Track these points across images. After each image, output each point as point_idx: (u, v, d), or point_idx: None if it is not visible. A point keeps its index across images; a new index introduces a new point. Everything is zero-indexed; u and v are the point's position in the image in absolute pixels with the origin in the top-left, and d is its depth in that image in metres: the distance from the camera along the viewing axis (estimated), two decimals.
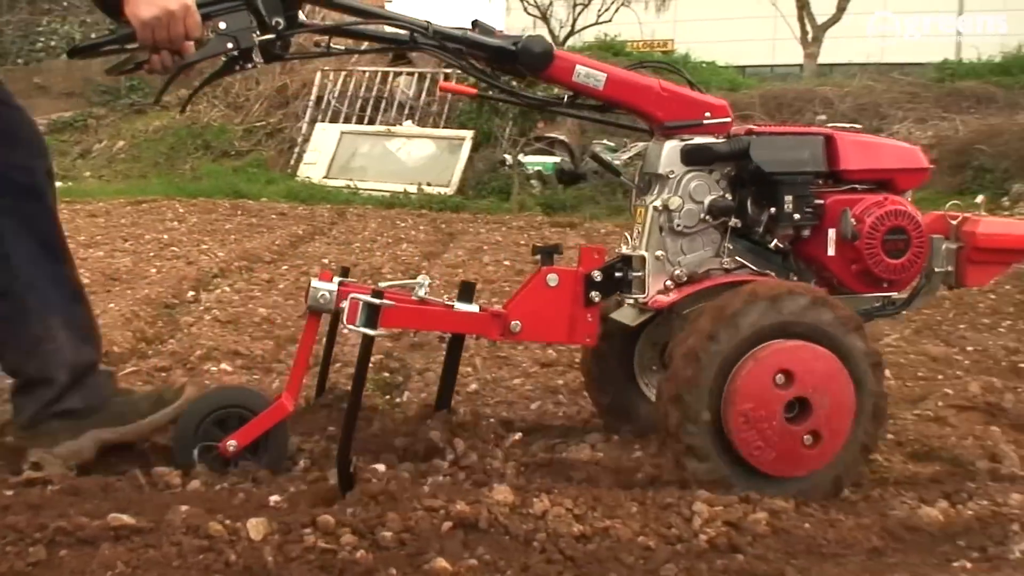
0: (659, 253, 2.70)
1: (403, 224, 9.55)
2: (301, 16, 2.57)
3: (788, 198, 2.69)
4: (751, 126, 2.82)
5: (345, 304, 2.44)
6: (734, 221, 2.72)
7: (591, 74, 2.68)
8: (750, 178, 2.72)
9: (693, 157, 2.71)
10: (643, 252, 2.71)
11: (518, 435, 2.95)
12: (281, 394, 2.66)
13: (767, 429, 2.42)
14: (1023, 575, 2.09)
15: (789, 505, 2.35)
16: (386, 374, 3.84)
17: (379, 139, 13.18)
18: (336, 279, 2.68)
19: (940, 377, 3.93)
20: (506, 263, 7.06)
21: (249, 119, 14.54)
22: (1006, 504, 2.47)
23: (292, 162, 13.50)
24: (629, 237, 2.81)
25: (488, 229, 9.37)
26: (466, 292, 2.64)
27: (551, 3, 20.50)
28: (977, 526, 2.39)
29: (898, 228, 2.72)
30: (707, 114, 2.73)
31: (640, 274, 2.71)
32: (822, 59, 20.20)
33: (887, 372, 3.92)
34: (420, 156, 12.75)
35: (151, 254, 6.95)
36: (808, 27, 19.83)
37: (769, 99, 13.45)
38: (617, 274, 2.73)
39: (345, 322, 2.43)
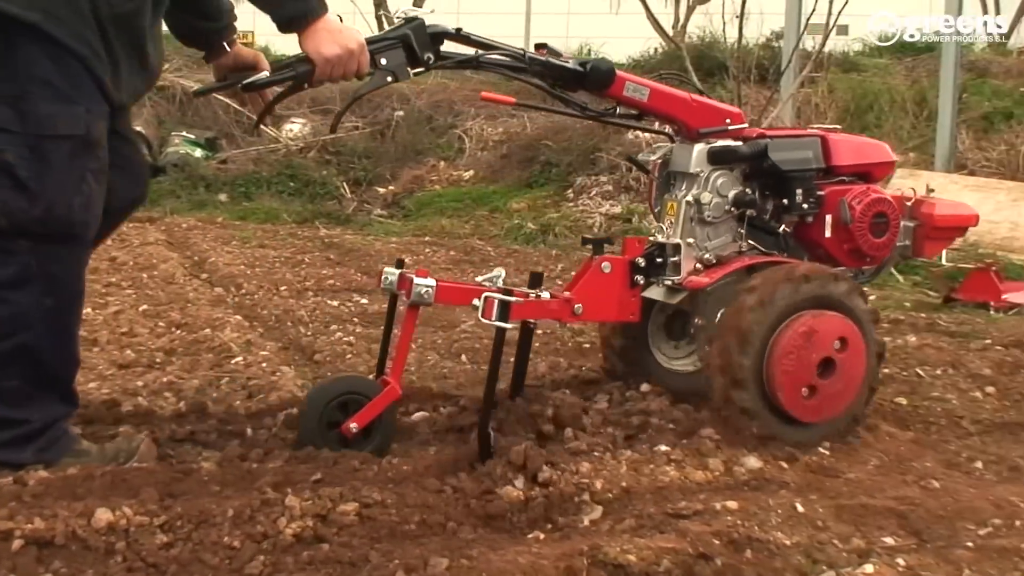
0: (690, 240, 3.15)
1: None
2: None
3: (799, 191, 3.24)
4: (761, 130, 3.34)
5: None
6: (750, 211, 3.19)
7: (638, 88, 3.11)
8: (765, 174, 3.23)
9: (719, 158, 3.18)
10: (677, 240, 3.15)
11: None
12: (389, 379, 2.92)
13: None
14: (591, 541, 2.22)
15: (380, 496, 2.41)
16: None
17: None
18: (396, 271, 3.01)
19: (512, 360, 4.15)
20: None
21: None
22: (577, 475, 2.62)
23: None
24: (663, 227, 3.22)
25: None
26: (537, 281, 2.97)
27: None
28: (552, 499, 2.53)
29: (881, 213, 3.29)
30: (727, 120, 3.24)
31: (676, 259, 3.14)
32: None
33: (463, 357, 4.13)
34: None
35: None
36: (386, 25, 20.23)
37: (349, 94, 13.43)
38: (657, 259, 3.14)
39: (482, 318, 2.74)
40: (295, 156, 11.69)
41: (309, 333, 4.57)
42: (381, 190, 11.32)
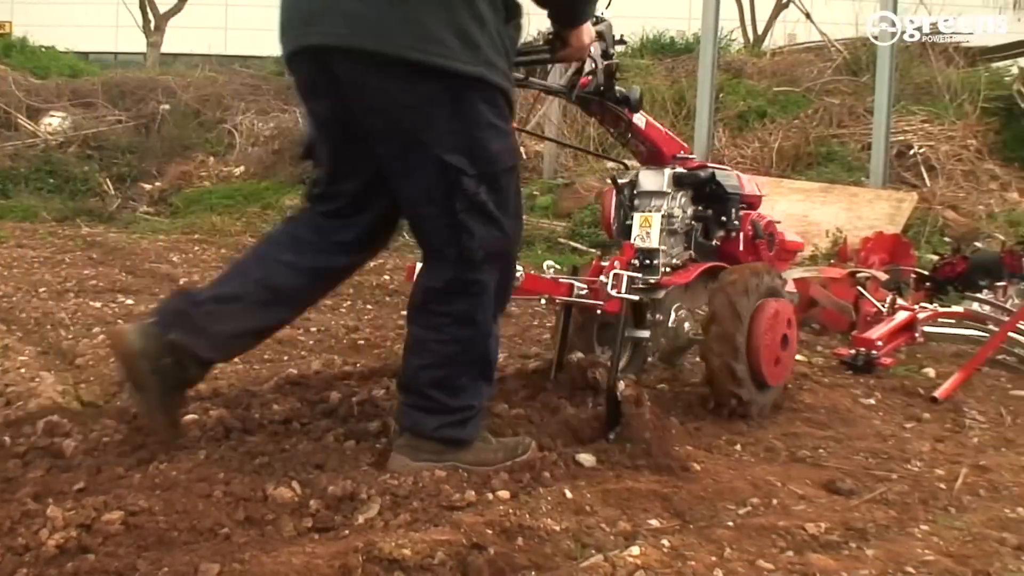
0: (663, 248, 3.70)
1: None
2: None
3: (733, 211, 3.92)
4: (700, 161, 4.02)
5: None
6: (698, 225, 3.88)
7: (641, 116, 3.64)
8: (709, 196, 3.88)
9: (682, 181, 3.82)
10: (656, 246, 3.68)
11: None
12: None
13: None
14: (366, 538, 2.21)
15: (147, 503, 2.34)
16: None
17: None
18: None
19: (286, 358, 4.12)
20: None
21: None
22: (352, 472, 2.61)
23: None
24: (642, 236, 3.71)
25: None
26: (574, 272, 3.59)
27: None
28: (327, 499, 2.49)
29: (771, 232, 4.12)
30: (681, 151, 3.90)
31: (655, 262, 3.66)
32: (166, 48, 20.10)
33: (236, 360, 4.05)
34: None
35: None
36: (151, 15, 19.63)
37: (112, 86, 13.08)
38: (646, 262, 3.64)
39: (612, 291, 3.31)
40: (54, 151, 11.24)
41: (70, 336, 4.40)
42: (147, 186, 10.99)
